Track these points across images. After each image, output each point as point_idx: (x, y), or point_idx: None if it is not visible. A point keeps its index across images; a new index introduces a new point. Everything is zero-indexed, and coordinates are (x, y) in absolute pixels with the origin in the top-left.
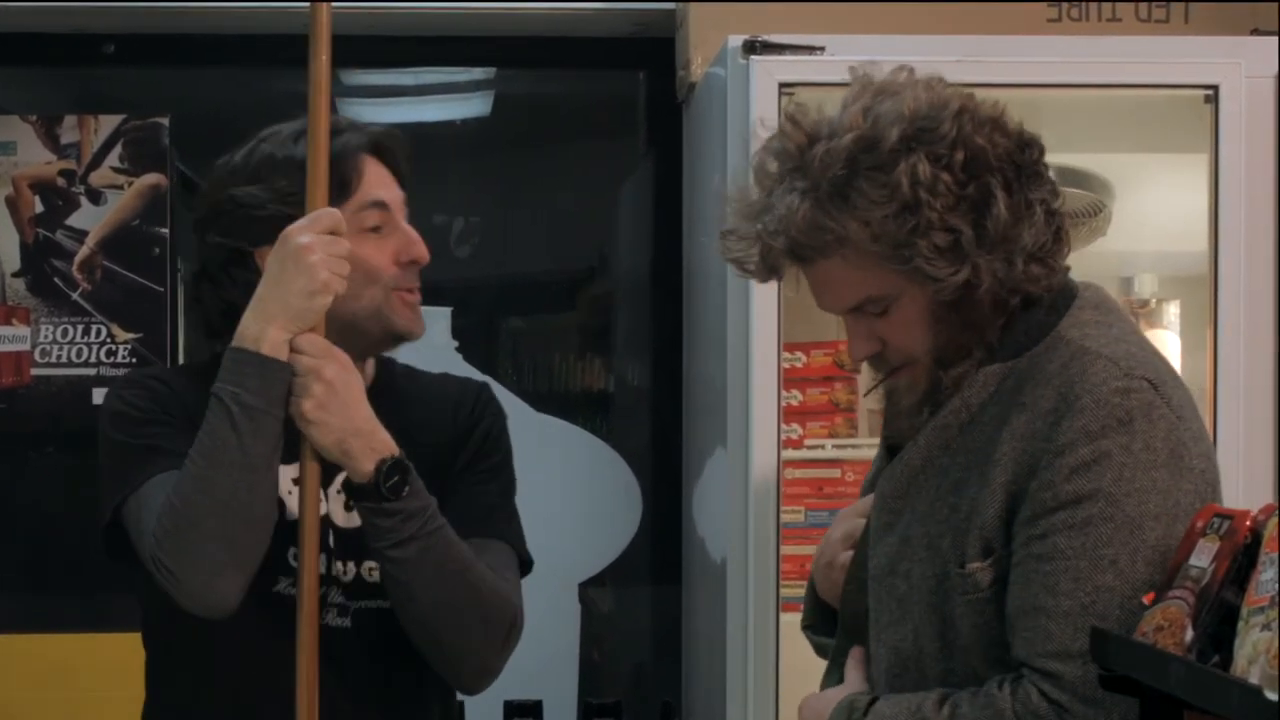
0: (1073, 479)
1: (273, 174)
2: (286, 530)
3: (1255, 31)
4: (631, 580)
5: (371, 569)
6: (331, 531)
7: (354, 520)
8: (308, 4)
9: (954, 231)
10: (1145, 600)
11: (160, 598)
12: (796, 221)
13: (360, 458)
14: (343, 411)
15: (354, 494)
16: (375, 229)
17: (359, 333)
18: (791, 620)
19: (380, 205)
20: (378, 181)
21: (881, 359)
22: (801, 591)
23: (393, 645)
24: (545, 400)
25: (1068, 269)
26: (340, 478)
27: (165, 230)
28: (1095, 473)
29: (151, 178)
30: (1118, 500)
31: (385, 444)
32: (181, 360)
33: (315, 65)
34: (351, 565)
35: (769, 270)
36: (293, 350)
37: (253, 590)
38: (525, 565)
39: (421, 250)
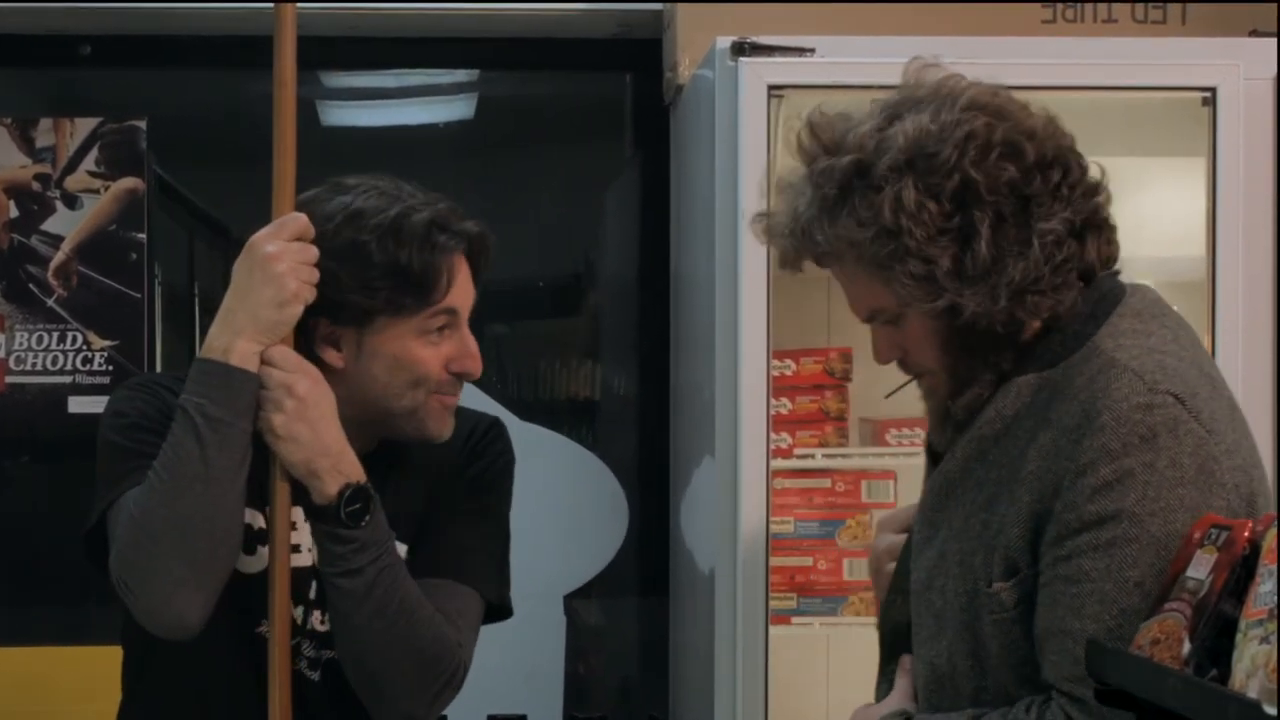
0: (1096, 499)
1: (363, 259)
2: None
3: (1254, 33)
4: (618, 592)
5: None
6: (315, 583)
7: None
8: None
9: (930, 262)
10: None
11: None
12: (798, 227)
13: (326, 478)
14: (313, 429)
15: (314, 514)
16: (440, 329)
17: (389, 426)
18: (780, 633)
19: (450, 312)
20: (460, 288)
21: (904, 365)
22: (791, 603)
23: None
24: (530, 409)
25: (1116, 272)
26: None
27: (142, 235)
28: (1119, 492)
29: (128, 182)
30: (1142, 520)
31: (353, 468)
32: (159, 368)
33: (280, 64)
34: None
35: (786, 262)
36: (264, 363)
37: (236, 630)
38: (501, 611)
39: (476, 365)
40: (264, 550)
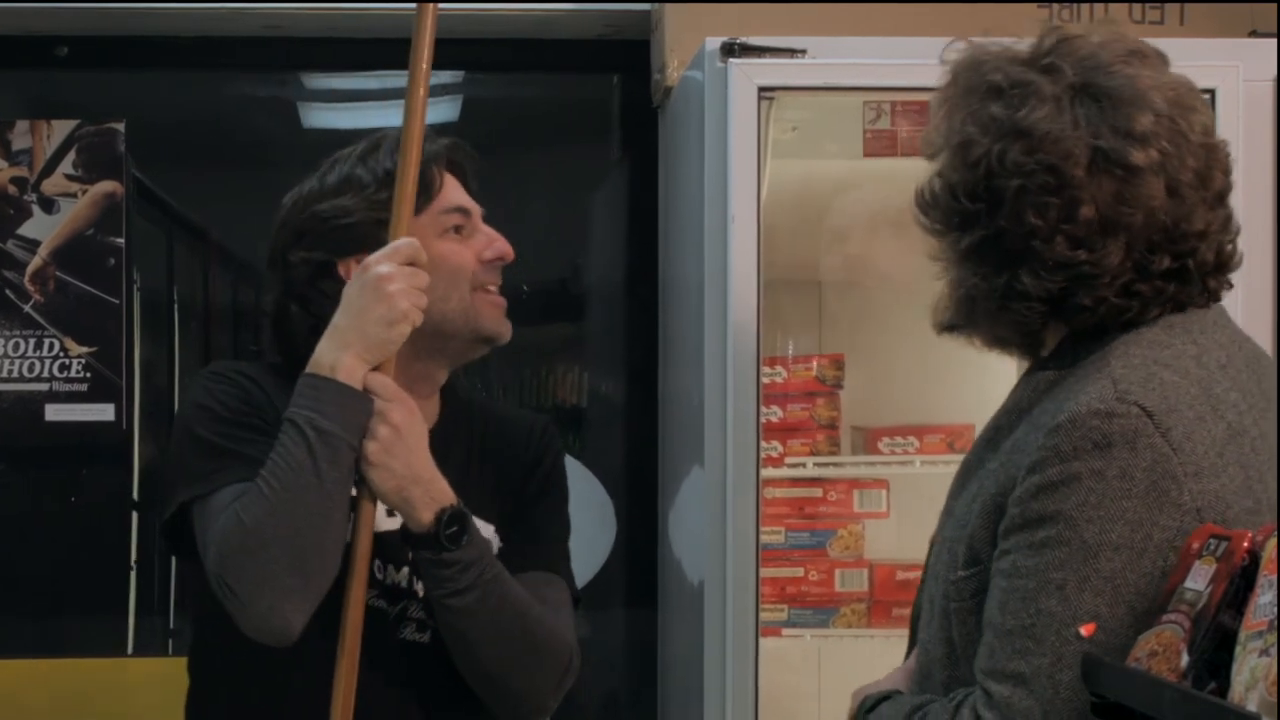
0: (1039, 498)
1: (353, 186)
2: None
3: (1253, 33)
4: (605, 604)
5: None
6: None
7: None
8: (266, 5)
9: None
10: (1083, 631)
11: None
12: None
13: (420, 506)
14: (406, 457)
15: (412, 543)
16: (457, 229)
17: (448, 335)
18: (771, 645)
19: (462, 210)
20: (456, 188)
21: None
22: (781, 615)
23: None
24: None
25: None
26: None
27: (121, 240)
28: (1061, 494)
29: (107, 185)
30: (1077, 525)
31: (444, 493)
32: (138, 376)
33: (415, 71)
34: None
35: None
36: (365, 389)
37: (330, 598)
38: (576, 602)
39: (505, 246)
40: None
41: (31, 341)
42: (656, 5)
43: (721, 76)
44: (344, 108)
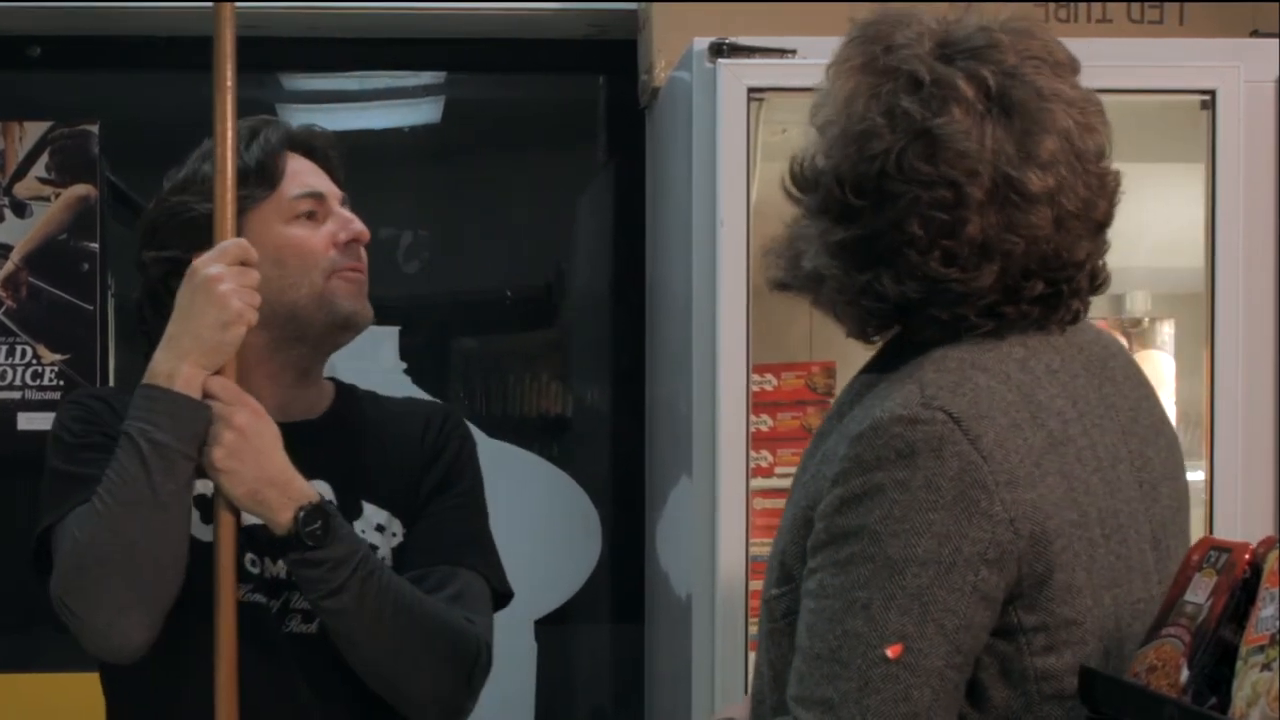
0: (843, 511)
1: (197, 180)
2: (242, 537)
3: (1255, 33)
4: (590, 618)
5: None
6: None
7: None
8: (244, 5)
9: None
10: (888, 653)
11: None
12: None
13: (277, 508)
14: (255, 460)
15: (276, 548)
16: (309, 215)
17: (303, 323)
18: None
19: (313, 194)
20: (306, 171)
21: None
22: None
23: None
24: (499, 425)
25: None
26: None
27: (95, 245)
28: (865, 508)
29: (80, 189)
30: (881, 539)
31: (302, 491)
32: (112, 384)
33: (220, 72)
34: None
35: None
36: (206, 394)
37: (210, 599)
38: (502, 597)
39: (359, 227)
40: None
41: (3, 349)
42: (643, 4)
43: (710, 77)
44: (324, 109)
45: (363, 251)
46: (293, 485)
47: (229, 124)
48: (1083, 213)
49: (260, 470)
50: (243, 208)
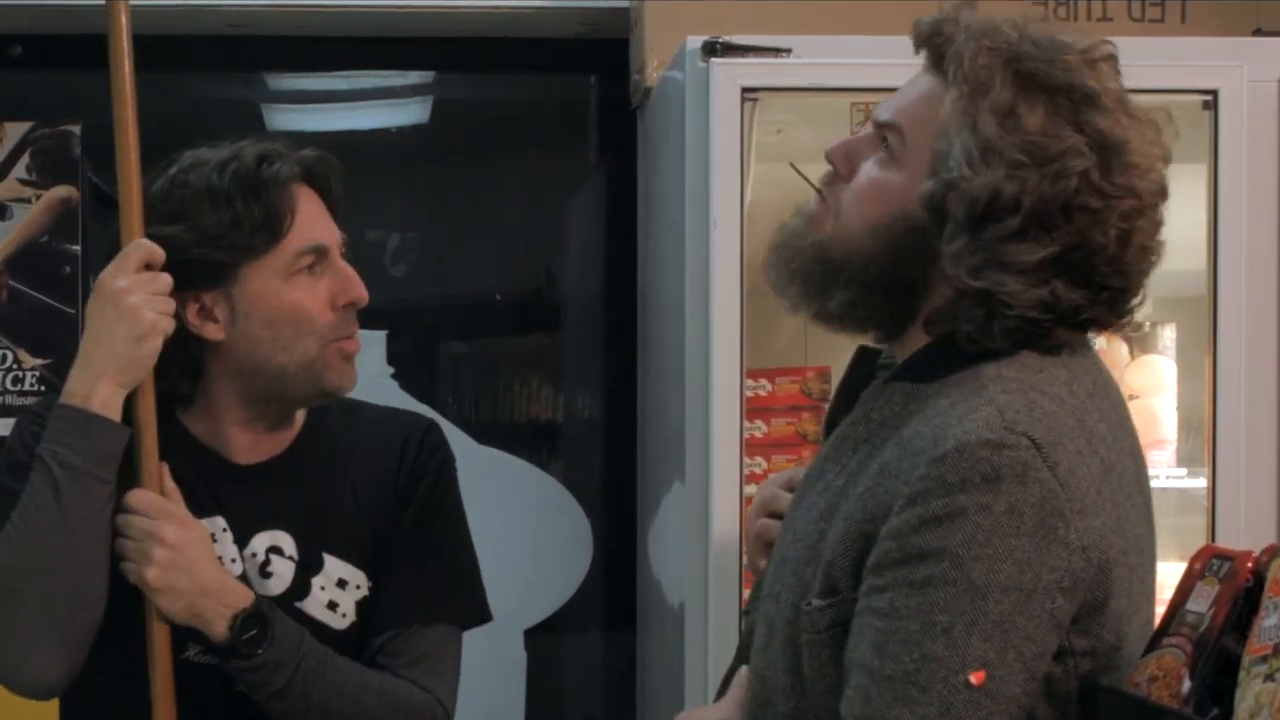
0: (921, 532)
1: (197, 212)
2: None
3: (1258, 32)
4: (582, 627)
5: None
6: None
7: (270, 588)
8: (229, 3)
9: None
10: (972, 679)
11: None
12: (990, 43)
13: (213, 619)
14: (189, 573)
15: (215, 653)
16: (309, 268)
17: (287, 386)
18: None
19: (316, 250)
20: (313, 218)
21: (831, 180)
22: None
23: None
24: (488, 432)
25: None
26: (256, 540)
27: (77, 247)
28: (946, 530)
29: (61, 190)
30: (964, 563)
31: (237, 596)
32: None
33: (117, 72)
34: None
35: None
36: (128, 510)
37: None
38: (479, 621)
39: (360, 291)
40: None
41: None
42: (635, 2)
43: (703, 77)
44: (310, 109)
45: (355, 315)
46: (226, 592)
47: (129, 135)
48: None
49: (194, 583)
50: (239, 259)
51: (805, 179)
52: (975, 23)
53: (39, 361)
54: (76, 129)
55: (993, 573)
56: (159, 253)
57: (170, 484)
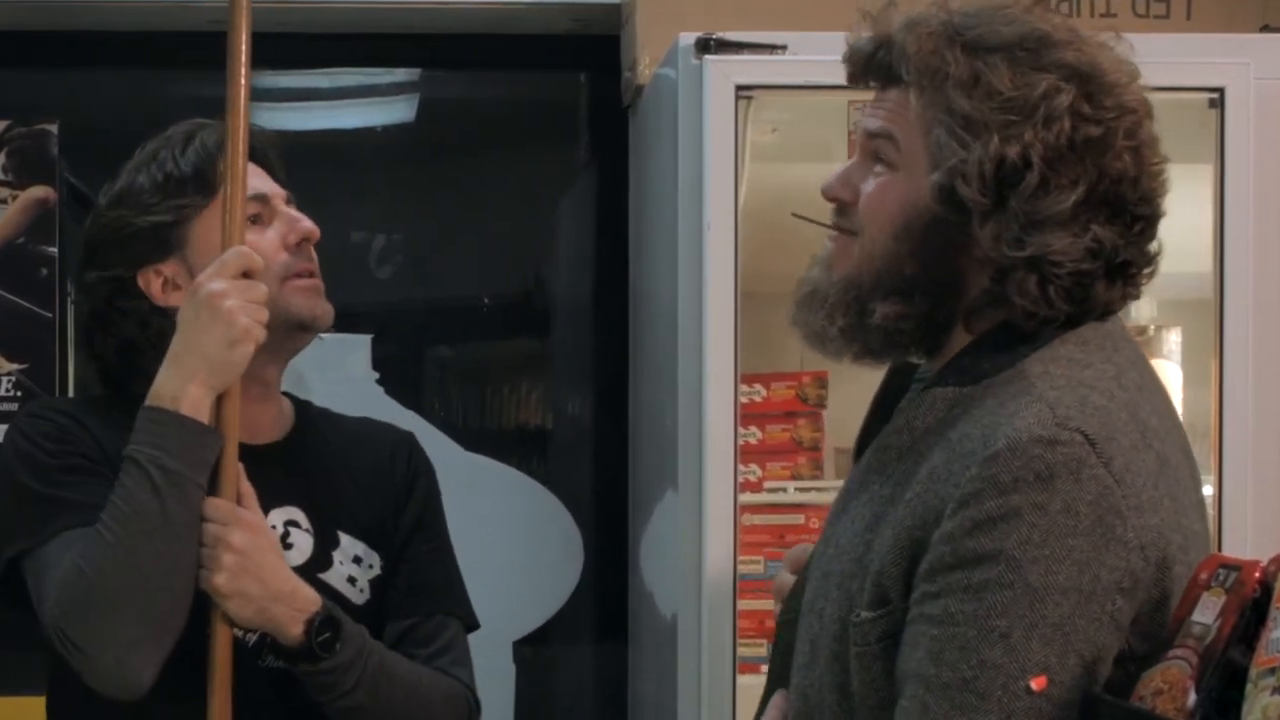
0: (975, 535)
1: (132, 194)
2: None
3: (1265, 28)
4: (572, 639)
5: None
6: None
7: (292, 559)
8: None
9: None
10: (1033, 685)
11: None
12: (927, 29)
13: (287, 623)
14: (259, 579)
15: (286, 657)
16: (254, 219)
17: (265, 343)
18: (749, 682)
19: (256, 197)
20: (251, 174)
21: (840, 212)
22: (760, 650)
23: None
24: (476, 438)
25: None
26: (273, 515)
27: (54, 249)
28: (1001, 531)
29: (38, 191)
30: (1020, 565)
31: (308, 600)
32: (71, 394)
33: (233, 78)
34: None
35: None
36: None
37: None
38: (474, 626)
39: (308, 226)
40: None
41: None
42: None
43: (696, 74)
44: (294, 108)
45: (313, 251)
46: (298, 596)
47: (241, 120)
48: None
49: (265, 589)
50: (183, 217)
51: (815, 222)
52: (902, 22)
53: (14, 366)
54: (54, 128)
55: (1050, 574)
56: (257, 260)
57: (246, 485)
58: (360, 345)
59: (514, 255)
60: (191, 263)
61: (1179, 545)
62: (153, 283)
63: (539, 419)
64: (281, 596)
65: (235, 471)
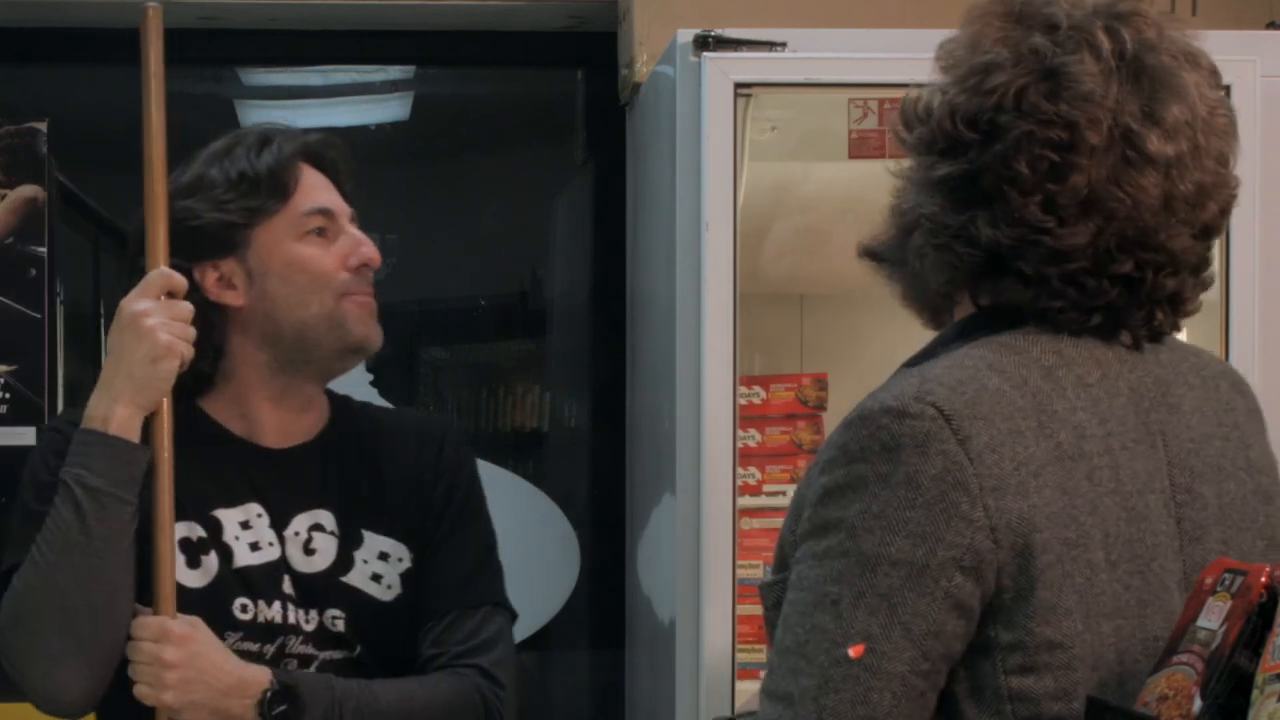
0: (824, 502)
1: (203, 186)
2: (233, 580)
3: (1271, 25)
4: (569, 643)
5: (335, 618)
6: (288, 576)
7: (315, 564)
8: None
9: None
10: (850, 652)
11: None
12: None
13: (240, 712)
14: (204, 683)
15: None
16: (319, 232)
17: (310, 344)
18: (747, 688)
19: (324, 212)
20: (317, 187)
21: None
22: (759, 656)
23: None
24: (471, 440)
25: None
26: (297, 520)
27: (43, 250)
28: (846, 500)
29: (27, 190)
30: (857, 534)
31: (256, 681)
32: (61, 397)
33: (148, 101)
34: (314, 613)
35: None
36: (132, 637)
37: None
38: (514, 617)
39: (372, 251)
40: (207, 561)
41: None
42: None
43: (695, 71)
44: (284, 105)
45: (371, 276)
46: (245, 683)
47: (159, 147)
48: (1194, 200)
49: (212, 689)
50: (252, 220)
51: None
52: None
53: (4, 368)
54: (43, 126)
55: (884, 545)
56: (180, 280)
57: (168, 503)
58: None
59: (510, 255)
60: (250, 265)
61: (1063, 538)
62: (208, 277)
63: (535, 421)
64: (231, 691)
65: (170, 487)
